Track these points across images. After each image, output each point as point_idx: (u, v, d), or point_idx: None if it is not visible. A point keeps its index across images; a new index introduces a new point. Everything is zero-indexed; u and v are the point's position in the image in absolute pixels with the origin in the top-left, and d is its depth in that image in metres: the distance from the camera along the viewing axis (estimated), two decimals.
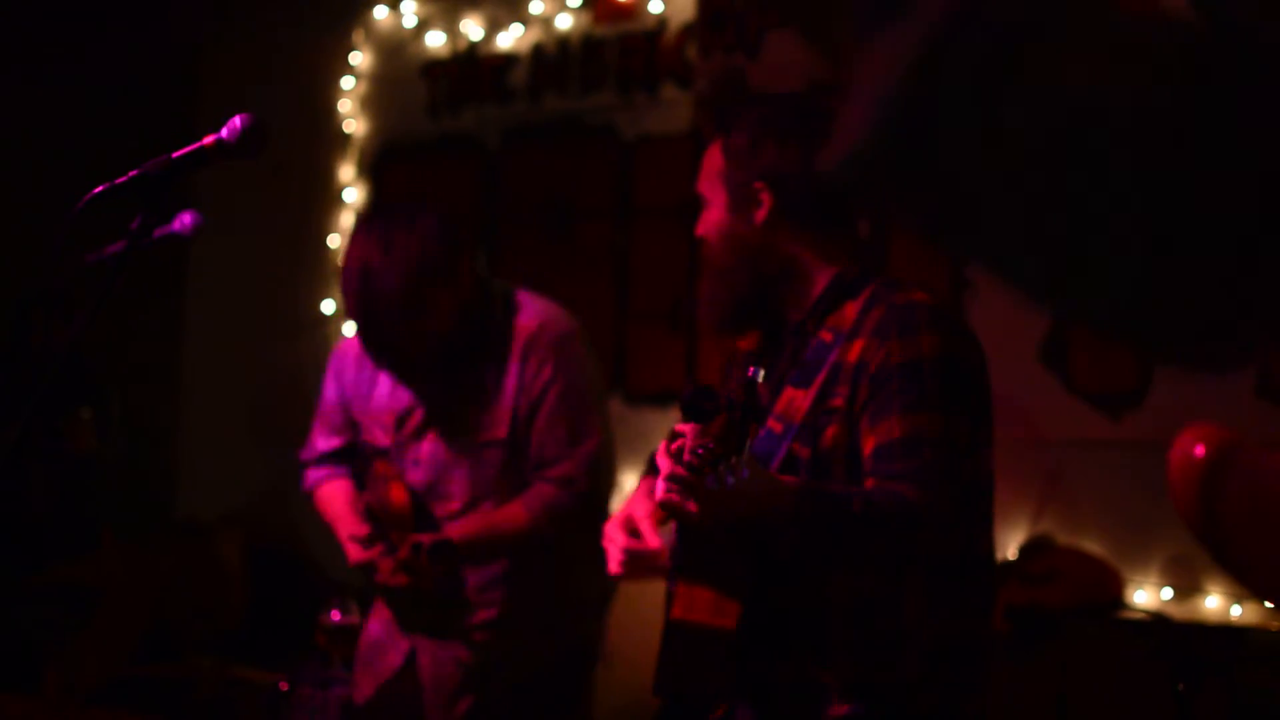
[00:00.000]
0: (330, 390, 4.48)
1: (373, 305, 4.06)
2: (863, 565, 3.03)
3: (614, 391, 7.21)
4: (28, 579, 7.34)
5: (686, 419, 2.72)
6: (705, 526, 2.91)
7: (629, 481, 7.08)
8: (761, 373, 3.02)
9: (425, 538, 4.11)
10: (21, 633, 6.97)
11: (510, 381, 4.17)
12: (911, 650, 3.06)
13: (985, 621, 3.18)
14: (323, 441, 4.52)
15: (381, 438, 4.35)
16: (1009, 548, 5.70)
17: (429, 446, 4.28)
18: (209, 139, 2.63)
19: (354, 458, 4.45)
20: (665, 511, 2.88)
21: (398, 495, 4.21)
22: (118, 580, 7.53)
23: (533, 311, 4.24)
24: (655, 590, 3.36)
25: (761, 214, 3.20)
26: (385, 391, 4.35)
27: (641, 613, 6.00)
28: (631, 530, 3.37)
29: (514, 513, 4.20)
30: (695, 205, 3.42)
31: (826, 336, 3.12)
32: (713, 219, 3.28)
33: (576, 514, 4.20)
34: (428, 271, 4.05)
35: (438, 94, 7.94)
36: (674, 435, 2.95)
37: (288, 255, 8.30)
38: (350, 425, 4.44)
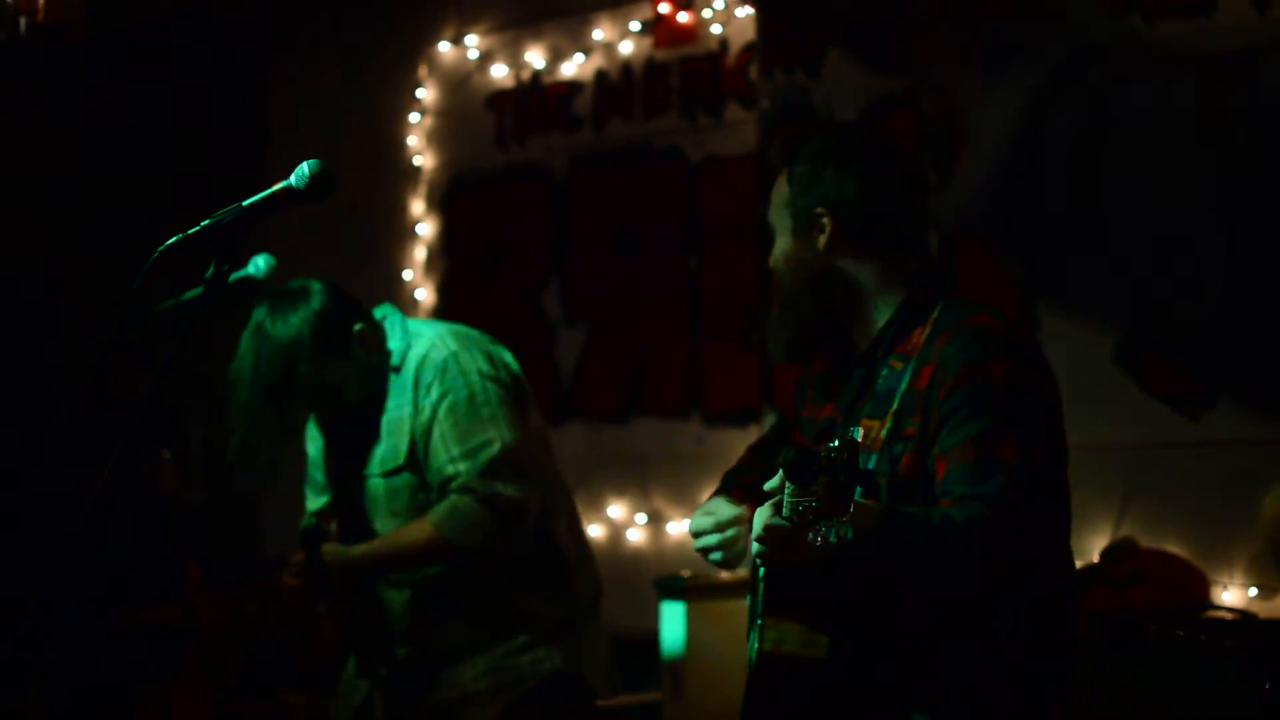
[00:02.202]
0: (310, 450, 4.58)
1: (256, 367, 4.21)
2: (944, 586, 3.03)
3: (691, 412, 7.22)
4: (117, 621, 7.41)
5: (790, 482, 2.72)
6: (797, 573, 2.94)
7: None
8: (861, 432, 3.01)
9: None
10: (113, 674, 7.03)
11: (407, 410, 4.25)
12: (996, 669, 3.07)
13: (1066, 635, 3.18)
14: (309, 502, 4.63)
15: (325, 487, 4.49)
16: (1092, 552, 5.68)
17: (352, 490, 4.38)
18: (279, 186, 2.67)
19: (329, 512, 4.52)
20: (761, 560, 2.92)
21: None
22: (207, 619, 7.58)
23: (424, 341, 4.31)
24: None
25: (824, 240, 3.22)
26: (322, 445, 4.50)
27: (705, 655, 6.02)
28: (706, 512, 3.41)
29: (417, 524, 4.24)
30: (764, 223, 3.45)
31: (896, 364, 3.13)
32: (780, 248, 3.30)
33: (484, 522, 4.17)
34: (312, 345, 4.16)
35: (504, 124, 7.98)
36: (764, 493, 2.97)
37: (362, 292, 8.30)
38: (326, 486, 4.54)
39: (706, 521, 3.42)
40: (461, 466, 4.17)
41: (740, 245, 7.10)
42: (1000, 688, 3.07)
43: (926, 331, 3.14)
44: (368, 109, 8.46)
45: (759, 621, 3.04)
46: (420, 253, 8.20)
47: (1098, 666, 4.97)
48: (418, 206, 8.22)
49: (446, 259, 8.16)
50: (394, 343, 4.31)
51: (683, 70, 7.37)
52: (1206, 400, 5.72)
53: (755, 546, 2.91)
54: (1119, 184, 5.88)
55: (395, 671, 4.35)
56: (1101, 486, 5.78)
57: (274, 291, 4.22)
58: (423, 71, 8.27)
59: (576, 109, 7.72)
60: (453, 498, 4.17)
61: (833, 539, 2.65)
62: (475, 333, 4.41)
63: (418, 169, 8.24)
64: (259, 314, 4.18)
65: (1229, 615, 5.32)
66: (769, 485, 2.91)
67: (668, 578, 6.22)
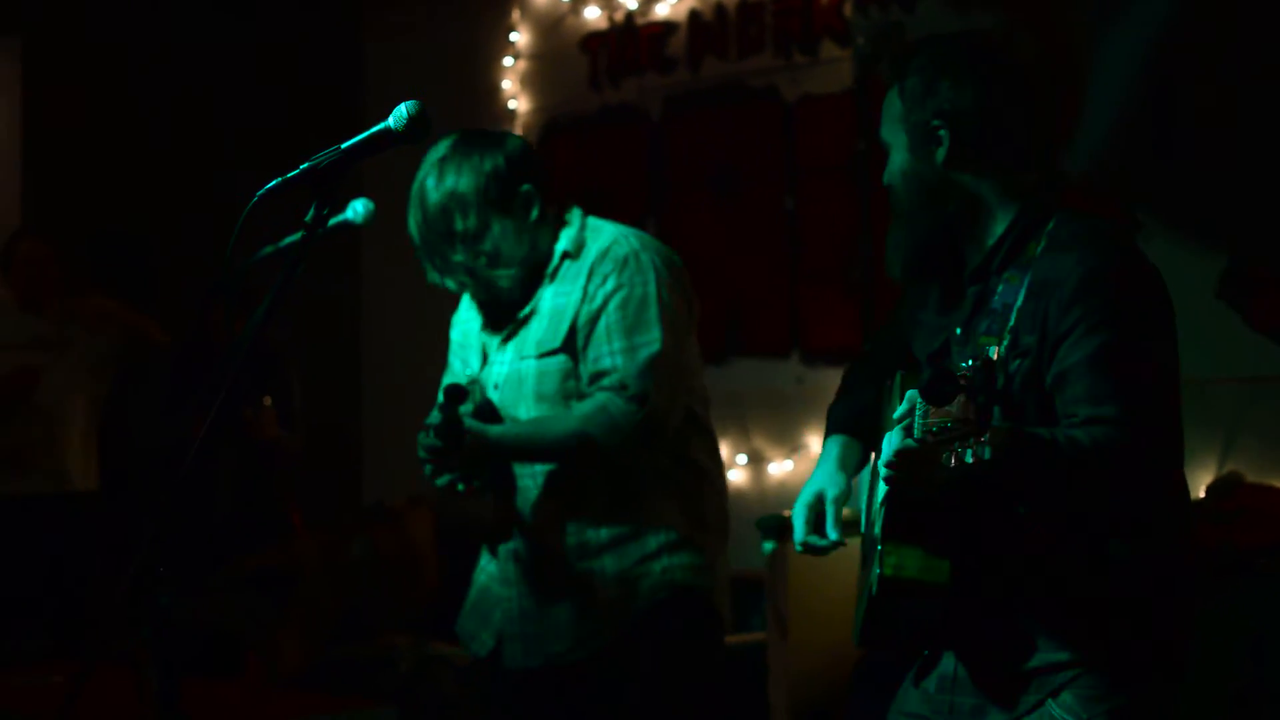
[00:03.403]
0: (453, 336, 4.53)
1: (428, 228, 4.15)
2: (1068, 509, 3.01)
3: (790, 352, 7.21)
4: (224, 568, 7.48)
5: (927, 403, 2.69)
6: (928, 496, 2.91)
7: (813, 444, 7.09)
8: (998, 350, 2.97)
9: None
10: (221, 621, 7.11)
11: (576, 296, 4.19)
12: (1117, 593, 3.04)
13: (1186, 561, 3.15)
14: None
15: (474, 363, 4.39)
16: (1198, 489, 5.64)
17: (503, 368, 4.30)
18: (377, 127, 2.66)
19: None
20: (890, 484, 2.88)
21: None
22: (312, 566, 7.64)
23: (605, 235, 4.26)
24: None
25: (942, 153, 3.16)
26: (478, 322, 4.40)
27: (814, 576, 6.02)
28: (816, 514, 3.36)
29: (562, 416, 4.19)
30: (862, 161, 3.40)
31: (1012, 279, 3.09)
32: (895, 164, 3.25)
33: (632, 424, 4.12)
34: (481, 200, 4.12)
35: (598, 66, 7.97)
36: (897, 416, 2.94)
37: None
38: (467, 364, 4.47)
39: (804, 507, 3.37)
40: (620, 360, 4.13)
41: (837, 184, 7.07)
42: (1122, 612, 3.04)
43: (1041, 244, 3.10)
44: (462, 53, 8.47)
45: (878, 548, 3.02)
46: None
47: (1203, 603, 4.94)
48: None
49: None
50: (570, 231, 4.26)
51: (776, 8, 7.33)
52: None
53: (884, 471, 2.87)
54: (1251, 102, 5.79)
55: (527, 563, 4.31)
56: (1206, 422, 5.73)
57: (464, 132, 4.24)
58: (516, 15, 8.27)
59: (670, 50, 7.70)
60: (602, 396, 4.13)
61: (969, 459, 2.61)
62: (657, 241, 4.36)
63: (512, 113, 8.25)
64: (442, 148, 4.18)
65: None
66: (898, 413, 2.87)
67: (770, 517, 6.21)
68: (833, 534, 3.30)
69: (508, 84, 8.28)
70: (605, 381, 4.14)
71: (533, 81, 8.23)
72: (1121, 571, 3.04)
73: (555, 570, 4.25)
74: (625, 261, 4.19)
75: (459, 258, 4.18)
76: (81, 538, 7.62)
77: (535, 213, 4.20)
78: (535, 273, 4.25)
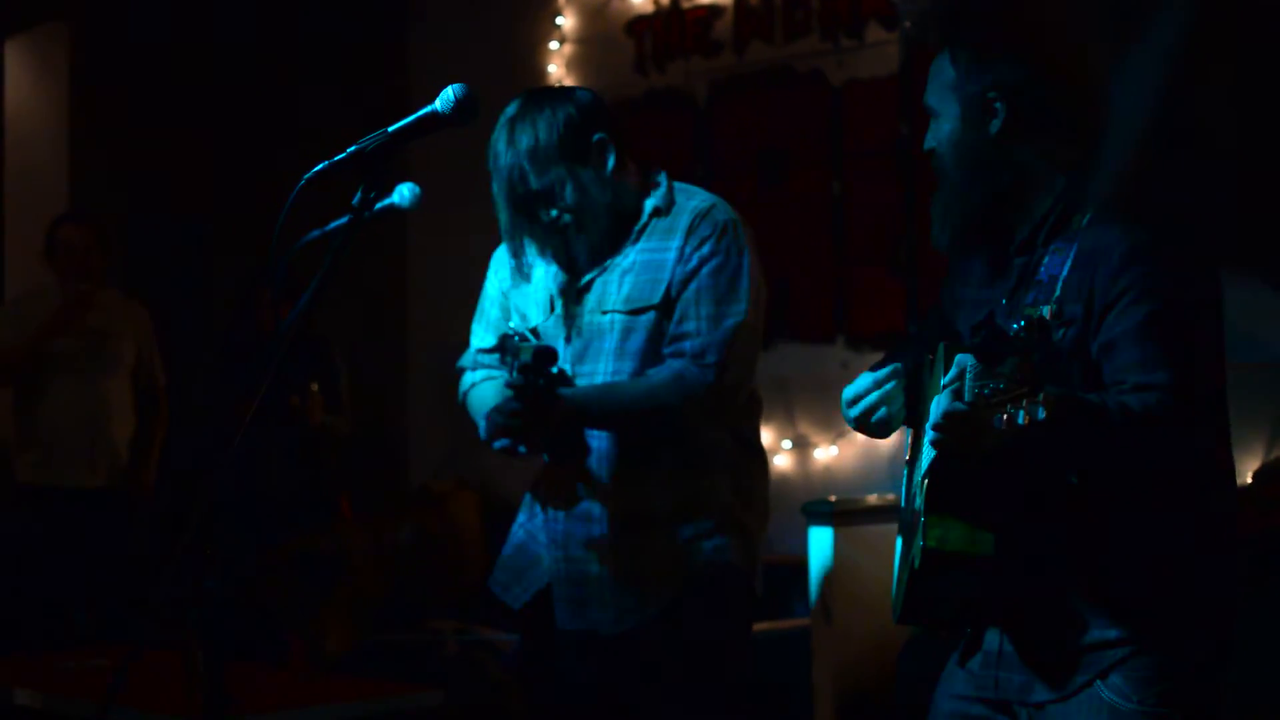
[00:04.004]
0: (491, 285, 4.47)
1: (509, 189, 4.12)
2: (1118, 477, 2.99)
3: (836, 336, 7.20)
4: (270, 551, 7.51)
5: (979, 363, 2.66)
6: (973, 460, 2.90)
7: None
8: (1047, 310, 2.95)
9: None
10: (266, 603, 7.13)
11: (670, 255, 4.16)
12: (1165, 565, 3.03)
13: (1233, 536, 3.13)
14: (478, 339, 4.51)
15: (535, 315, 4.33)
16: (1244, 474, 5.61)
17: (579, 319, 4.25)
18: (423, 110, 2.67)
19: (509, 345, 4.40)
20: (938, 448, 2.85)
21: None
22: (358, 550, 7.67)
23: (700, 198, 4.23)
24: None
25: (998, 124, 3.15)
26: (543, 271, 4.33)
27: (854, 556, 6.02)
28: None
29: (640, 383, 4.15)
30: (907, 146, 3.38)
31: (1058, 250, 3.08)
32: (944, 131, 3.22)
33: (706, 393, 4.11)
34: (556, 153, 4.09)
35: (644, 50, 7.96)
36: (941, 363, 2.92)
37: None
38: (506, 317, 4.42)
39: (865, 379, 3.35)
40: (704, 326, 4.11)
41: (883, 168, 7.06)
42: (1170, 585, 3.03)
43: (1088, 216, 3.09)
44: (507, 37, 8.47)
45: (921, 520, 3.00)
46: None
47: (1247, 589, 4.92)
48: None
49: None
50: (659, 189, 4.23)
51: None
52: None
53: (931, 435, 2.84)
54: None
55: (579, 526, 4.28)
56: (1253, 409, 5.71)
57: (531, 90, 4.25)
58: None
59: (716, 33, 7.69)
60: (678, 363, 4.11)
61: (1021, 420, 2.59)
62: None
63: None
64: (513, 107, 4.16)
65: None
66: (946, 379, 2.85)
67: (815, 503, 6.21)
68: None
69: (553, 68, 8.28)
70: (686, 345, 4.12)
71: (578, 65, 8.23)
72: (1169, 548, 3.03)
73: (607, 537, 4.23)
74: (725, 229, 4.15)
75: (543, 216, 4.15)
76: (121, 528, 7.66)
77: (612, 160, 4.18)
78: (622, 227, 4.21)
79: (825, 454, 7.18)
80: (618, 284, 4.20)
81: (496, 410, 4.12)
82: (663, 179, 4.26)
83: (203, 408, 7.98)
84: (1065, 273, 3.03)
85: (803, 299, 7.33)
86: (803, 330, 7.32)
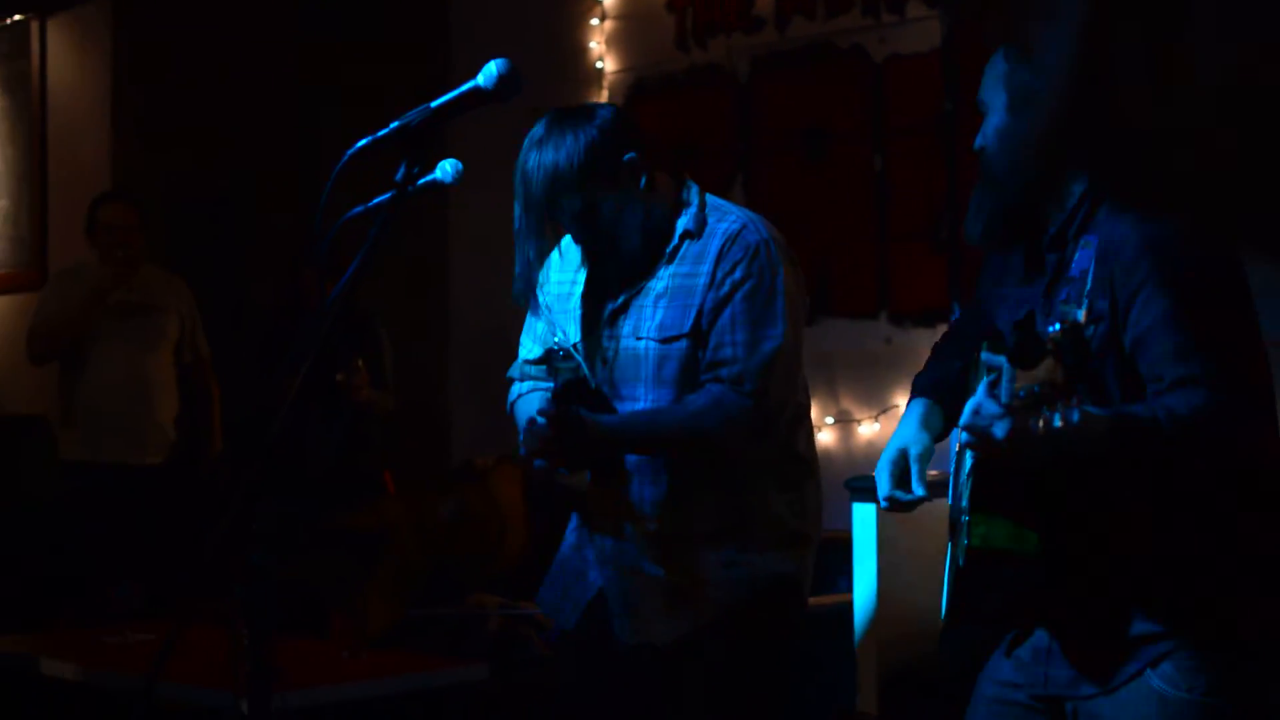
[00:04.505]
0: (541, 297, 4.47)
1: (533, 201, 4.10)
2: (1167, 479, 2.98)
3: (879, 312, 7.18)
4: (313, 527, 7.52)
5: (1015, 366, 2.66)
6: (1012, 463, 2.88)
7: (901, 405, 7.05)
8: (1084, 313, 2.94)
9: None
10: (309, 579, 7.15)
11: (701, 280, 4.12)
12: (1214, 563, 3.01)
13: None
14: (525, 350, 4.50)
15: (573, 333, 4.31)
16: None
17: (616, 344, 4.23)
18: (466, 85, 2.66)
19: (554, 359, 4.40)
20: (972, 448, 2.84)
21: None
22: (402, 526, 7.68)
23: (736, 216, 4.19)
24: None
25: (1044, 120, 3.13)
26: (583, 289, 4.32)
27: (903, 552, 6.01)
28: (900, 470, 3.33)
29: (678, 410, 4.13)
30: (949, 121, 3.36)
31: (1085, 243, 3.06)
32: (991, 125, 3.21)
33: (747, 419, 4.09)
34: (585, 177, 4.07)
35: (685, 26, 7.95)
36: (984, 369, 2.91)
37: None
38: (551, 330, 4.41)
39: (913, 468, 3.32)
40: (741, 352, 4.08)
41: (925, 144, 7.04)
42: (1218, 576, 3.02)
43: (1113, 207, 3.07)
44: (548, 13, 8.47)
45: (965, 518, 3.00)
46: None
47: None
48: None
49: None
50: (691, 210, 4.20)
51: None
52: None
53: (966, 437, 2.83)
54: None
55: (624, 544, 4.28)
56: None
57: (560, 110, 4.22)
58: None
59: (757, 9, 7.67)
60: (717, 389, 4.09)
61: (1057, 424, 2.58)
62: (774, 229, 4.30)
63: (599, 73, 8.24)
64: (539, 129, 4.17)
65: None
66: (981, 384, 2.85)
67: (859, 478, 6.20)
68: (918, 489, 3.27)
69: (594, 44, 8.28)
70: (723, 372, 4.10)
71: (619, 42, 8.23)
72: (1220, 542, 3.02)
73: (654, 554, 4.23)
74: (756, 251, 4.12)
75: (575, 240, 4.17)
76: (169, 503, 7.70)
77: (644, 180, 4.16)
78: (655, 246, 4.19)
79: (869, 429, 7.17)
80: (651, 309, 4.18)
81: (529, 431, 4.15)
82: (694, 195, 4.23)
83: (247, 384, 8.01)
84: (1091, 267, 3.02)
85: (845, 275, 7.32)
86: (846, 306, 7.30)
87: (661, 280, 4.18)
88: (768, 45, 7.64)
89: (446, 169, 3.85)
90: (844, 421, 7.25)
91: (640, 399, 4.21)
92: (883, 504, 3.33)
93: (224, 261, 9.07)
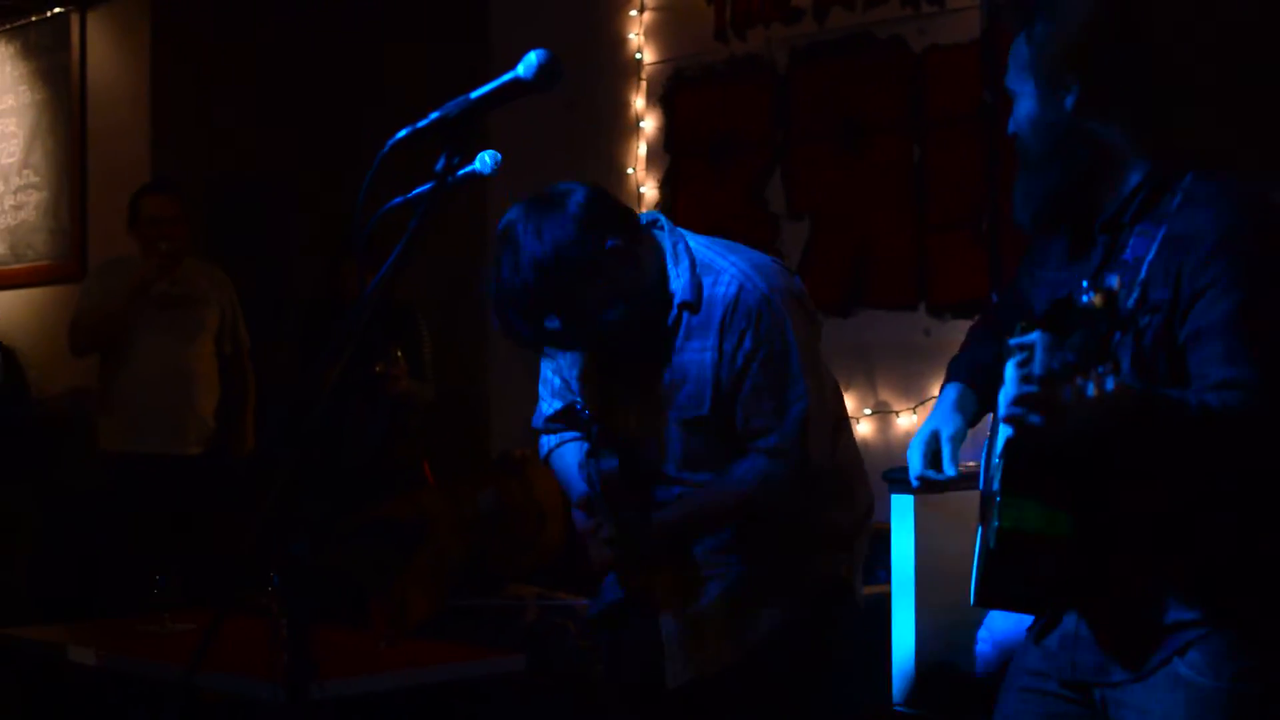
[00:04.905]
0: (546, 356, 4.44)
1: (514, 307, 4.00)
2: (1198, 473, 2.96)
3: (917, 303, 7.17)
4: (353, 518, 7.54)
5: (1047, 334, 2.63)
6: (1048, 440, 2.86)
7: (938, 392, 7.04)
8: (1118, 280, 2.90)
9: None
10: (348, 569, 7.16)
11: (710, 356, 4.05)
12: (1248, 554, 3.00)
13: None
14: (546, 405, 4.47)
15: (590, 402, 4.30)
16: None
17: (635, 419, 4.20)
18: (506, 76, 2.66)
19: (576, 419, 4.41)
20: (1011, 424, 2.81)
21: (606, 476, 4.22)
22: (440, 516, 7.69)
23: (729, 274, 4.06)
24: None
25: (1071, 100, 3.10)
26: (590, 362, 4.29)
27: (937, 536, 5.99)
28: (932, 450, 3.33)
29: (722, 490, 4.11)
30: (990, 112, 3.34)
31: (1145, 232, 3.03)
32: (1023, 112, 3.18)
33: (792, 484, 4.07)
34: (565, 270, 3.93)
35: (724, 18, 7.94)
36: (1013, 349, 2.90)
37: None
38: (567, 389, 4.39)
39: (947, 449, 3.32)
40: (772, 421, 4.04)
41: (965, 134, 7.02)
42: (1250, 566, 3.00)
43: (1177, 199, 3.04)
44: (587, 4, 8.47)
45: (996, 501, 2.98)
46: (642, 148, 8.20)
47: None
48: (639, 102, 8.23)
49: (669, 154, 8.16)
50: (678, 272, 4.08)
51: None
52: None
53: (1002, 409, 2.79)
54: None
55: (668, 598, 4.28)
56: None
57: (531, 198, 4.06)
58: None
59: (796, 0, 7.66)
60: (763, 463, 4.05)
61: (1091, 392, 2.56)
62: (768, 259, 4.19)
63: (639, 63, 8.24)
64: (512, 218, 4.01)
65: None
66: (1018, 356, 2.82)
67: (896, 470, 6.18)
68: (949, 469, 3.27)
69: (633, 35, 8.28)
70: (760, 443, 4.06)
71: (658, 33, 8.22)
72: (1251, 530, 3.00)
73: (699, 601, 4.23)
74: (760, 314, 4.02)
75: (563, 333, 4.07)
76: (209, 493, 7.72)
77: (628, 262, 4.03)
78: (653, 316, 4.10)
79: (907, 421, 7.16)
80: (666, 390, 4.12)
81: (594, 544, 4.17)
82: (681, 252, 4.10)
83: (286, 374, 8.03)
84: (1152, 255, 2.99)
85: (884, 266, 7.31)
86: (884, 297, 7.29)
87: (670, 358, 4.11)
88: (806, 36, 7.63)
89: (486, 160, 3.85)
90: (882, 413, 7.24)
91: (666, 468, 4.20)
92: (914, 483, 3.33)
93: (263, 253, 9.09)
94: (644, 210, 7.90)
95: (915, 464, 3.32)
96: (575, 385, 4.34)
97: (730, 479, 4.11)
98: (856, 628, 4.46)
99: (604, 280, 3.99)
